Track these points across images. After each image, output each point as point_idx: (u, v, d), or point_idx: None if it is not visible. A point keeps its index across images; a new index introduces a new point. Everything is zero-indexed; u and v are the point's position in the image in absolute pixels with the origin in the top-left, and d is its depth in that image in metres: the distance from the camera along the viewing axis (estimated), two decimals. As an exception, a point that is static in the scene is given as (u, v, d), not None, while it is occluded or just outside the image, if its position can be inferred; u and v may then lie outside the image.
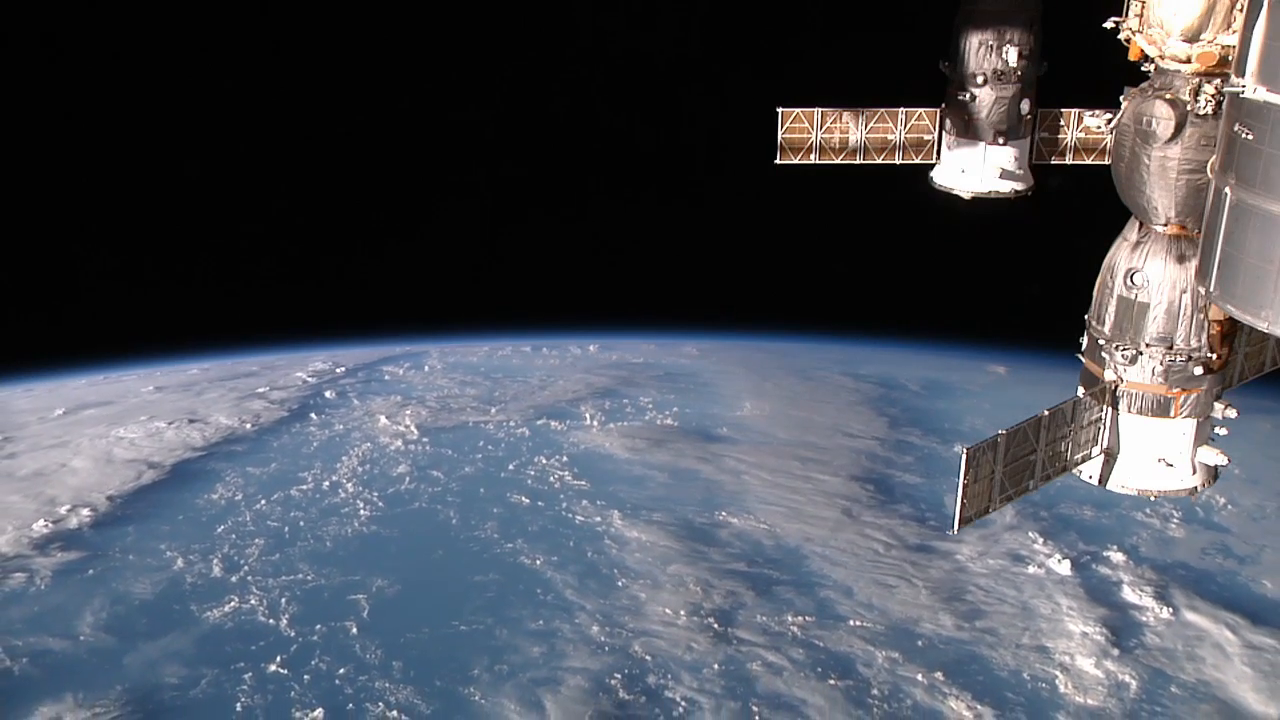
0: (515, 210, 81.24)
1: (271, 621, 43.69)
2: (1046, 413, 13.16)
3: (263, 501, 53.30)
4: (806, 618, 45.01)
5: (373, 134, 76.12)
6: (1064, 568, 48.62)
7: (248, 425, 62.84)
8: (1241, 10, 11.23)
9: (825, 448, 61.12)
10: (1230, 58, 11.58)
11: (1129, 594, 46.96)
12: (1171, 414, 13.35)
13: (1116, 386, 13.45)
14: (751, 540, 51.02)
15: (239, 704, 38.94)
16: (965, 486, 12.65)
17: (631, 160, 73.85)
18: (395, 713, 38.73)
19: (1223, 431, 13.82)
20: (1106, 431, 13.70)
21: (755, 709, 39.71)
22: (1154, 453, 13.55)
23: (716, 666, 41.87)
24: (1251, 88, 9.97)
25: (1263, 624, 44.85)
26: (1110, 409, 13.58)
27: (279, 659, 41.39)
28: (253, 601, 44.93)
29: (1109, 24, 12.80)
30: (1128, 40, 12.68)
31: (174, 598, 45.19)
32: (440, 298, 77.88)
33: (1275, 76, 9.80)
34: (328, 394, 68.38)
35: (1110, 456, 13.75)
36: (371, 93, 74.97)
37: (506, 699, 39.65)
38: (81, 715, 37.93)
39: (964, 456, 12.54)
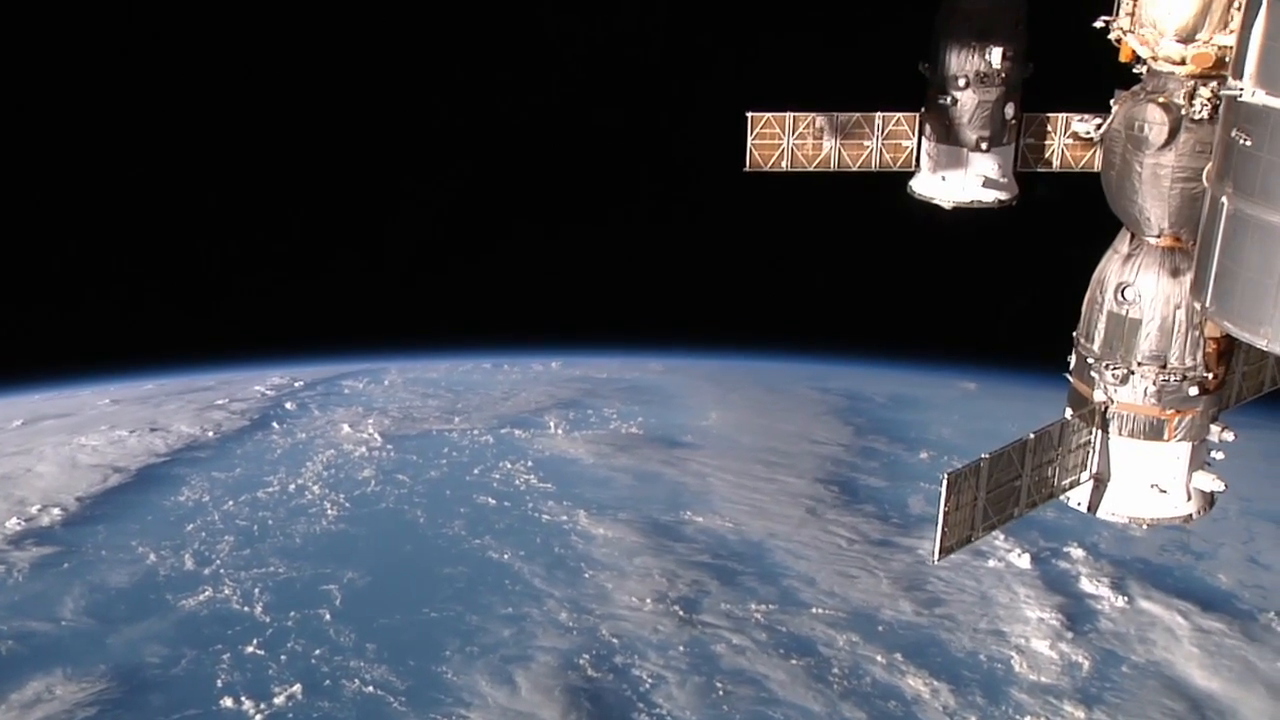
0: (471, 226, 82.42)
1: (246, 609, 48.18)
2: (1032, 436, 13.16)
3: (230, 503, 57.50)
4: (769, 605, 49.68)
5: (325, 150, 76.93)
6: (1024, 561, 53.00)
7: (210, 434, 66.79)
8: (1239, 9, 11.26)
9: (790, 453, 65.49)
10: (1227, 59, 11.56)
11: (1086, 585, 51.67)
12: (1165, 437, 13.39)
13: (1106, 408, 13.45)
14: (716, 535, 55.66)
15: (219, 680, 43.57)
16: (946, 514, 12.57)
17: (594, 170, 75.34)
18: (371, 688, 43.39)
19: (1219, 456, 13.81)
20: (1096, 456, 13.71)
21: (719, 684, 44.44)
22: (1146, 478, 13.60)
23: (682, 648, 46.59)
24: (1250, 91, 10.00)
25: (1213, 610, 49.72)
26: (1100, 432, 13.58)
27: (255, 642, 46.01)
28: (226, 591, 49.39)
29: (1099, 23, 12.86)
30: (1118, 41, 12.73)
31: (149, 588, 49.69)
32: (396, 316, 79.44)
33: (1275, 79, 9.81)
34: (288, 405, 72.13)
35: (1100, 482, 13.80)
36: (327, 108, 75.92)
37: (479, 675, 44.36)
38: (71, 689, 42.68)
39: (945, 482, 12.42)
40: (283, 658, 45.11)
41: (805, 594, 50.76)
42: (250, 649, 45.59)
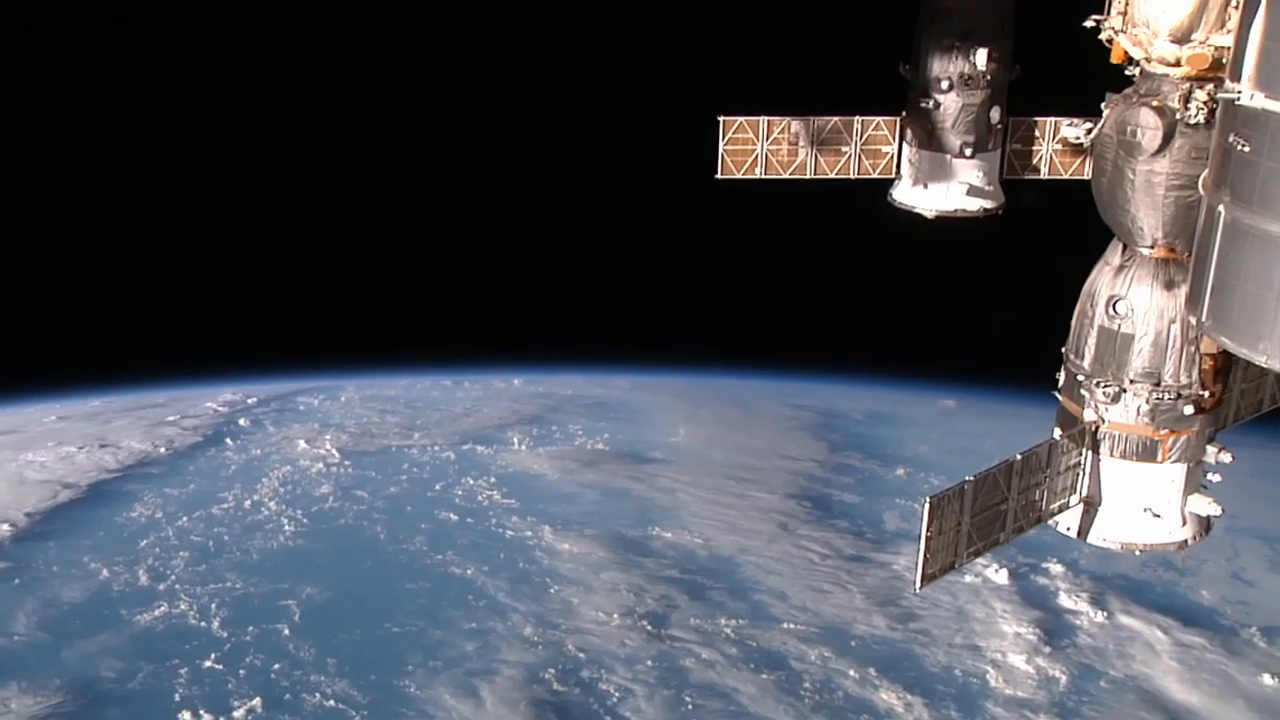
0: (428, 241, 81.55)
1: (203, 624, 49.78)
2: (1019, 457, 13.11)
3: (184, 519, 58.90)
4: (740, 620, 51.40)
5: (278, 162, 75.00)
6: (1001, 577, 54.60)
7: (161, 450, 68.05)
8: (1236, 8, 11.19)
9: (762, 468, 67.04)
10: (1224, 60, 11.48)
11: (1064, 600, 53.46)
12: (1159, 458, 13.36)
13: (1097, 428, 13.46)
14: (685, 551, 57.30)
15: (177, 694, 45.25)
16: (928, 539, 12.57)
17: (555, 177, 74.92)
18: (332, 702, 45.01)
19: (1216, 478, 13.76)
20: (1086, 478, 13.71)
21: (688, 698, 46.23)
22: (1139, 502, 13.55)
23: (650, 662, 48.35)
24: (1248, 94, 9.86)
25: (1194, 625, 51.55)
26: (1090, 453, 13.58)
27: (213, 656, 47.65)
28: (182, 607, 50.93)
29: (1089, 23, 12.88)
30: (1110, 41, 12.77)
31: (103, 603, 51.20)
32: (351, 334, 78.89)
33: (1274, 81, 9.70)
34: (241, 422, 73.31)
35: (1090, 506, 13.76)
36: (280, 119, 75.41)
37: (442, 688, 46.11)
38: (26, 702, 44.26)
39: (927, 506, 12.45)
40: (241, 672, 46.72)
41: (776, 609, 52.47)
42: (208, 663, 47.19)
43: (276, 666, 47.18)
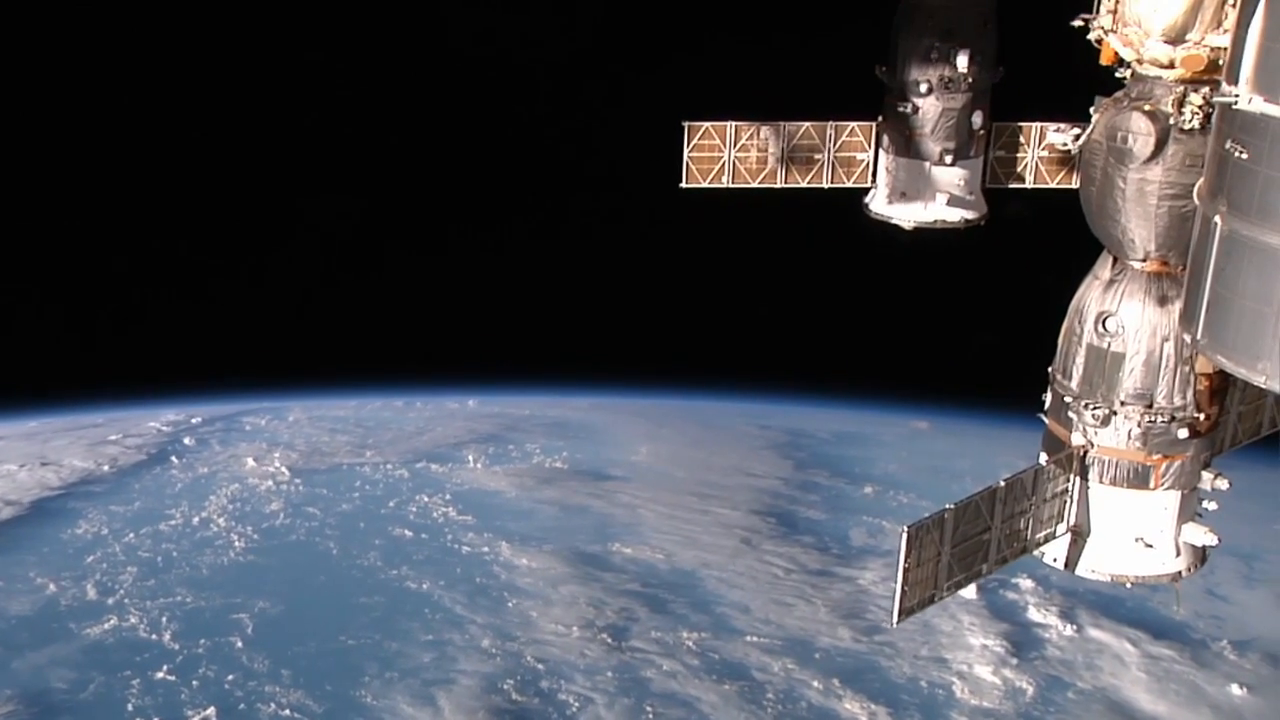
0: (368, 252, 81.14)
1: (154, 637, 52.18)
2: (1003, 483, 12.96)
3: (131, 535, 61.02)
4: (701, 632, 53.90)
5: (219, 178, 74.99)
6: (969, 591, 56.92)
7: (105, 468, 69.96)
8: (1233, 6, 11.11)
9: (725, 485, 69.26)
10: (1220, 62, 11.34)
11: (1033, 614, 55.98)
12: (1151, 485, 13.26)
13: (1085, 452, 13.36)
14: (646, 565, 59.67)
15: (130, 705, 47.70)
16: (906, 571, 12.46)
17: (511, 189, 75.28)
18: (288, 711, 47.46)
19: (1211, 506, 13.69)
20: (1074, 506, 13.61)
21: (649, 707, 48.82)
22: (1130, 531, 13.48)
23: (610, 672, 50.91)
24: (1246, 97, 9.80)
25: (1164, 638, 54.00)
26: (1078, 479, 13.48)
27: (165, 668, 50.12)
28: (132, 620, 53.30)
29: (1077, 22, 12.79)
30: (1099, 41, 12.67)
31: (51, 616, 53.56)
32: (295, 356, 78.72)
33: (1273, 84, 9.66)
34: (187, 441, 75.08)
35: (1078, 536, 13.67)
36: (216, 133, 74.93)
37: (399, 697, 48.72)
38: (-23, 711, 46.66)
39: (905, 536, 12.30)
40: (194, 683, 49.21)
41: (739, 621, 54.93)
42: (160, 674, 49.68)
43: (230, 678, 49.63)
